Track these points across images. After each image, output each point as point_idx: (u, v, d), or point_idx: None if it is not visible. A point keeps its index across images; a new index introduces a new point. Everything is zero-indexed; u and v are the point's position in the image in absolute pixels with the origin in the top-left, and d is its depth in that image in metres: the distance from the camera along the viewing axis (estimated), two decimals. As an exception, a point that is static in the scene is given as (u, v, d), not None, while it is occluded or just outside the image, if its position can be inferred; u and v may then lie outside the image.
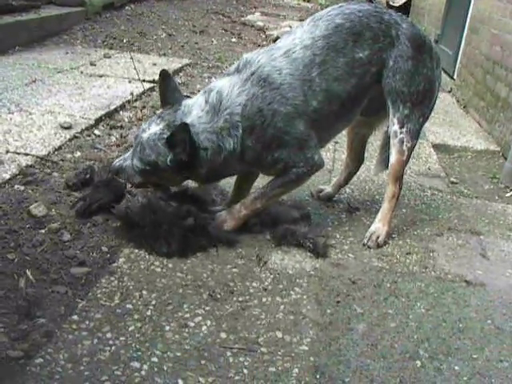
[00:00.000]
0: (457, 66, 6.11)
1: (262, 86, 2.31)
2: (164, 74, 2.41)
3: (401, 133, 2.55)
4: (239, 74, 2.35)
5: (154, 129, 2.29)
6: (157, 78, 2.48)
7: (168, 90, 2.40)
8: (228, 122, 2.29)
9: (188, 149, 2.21)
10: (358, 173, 3.25)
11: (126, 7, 7.84)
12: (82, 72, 4.73)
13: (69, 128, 3.41)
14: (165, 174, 2.33)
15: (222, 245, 2.39)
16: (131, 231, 2.35)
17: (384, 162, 2.78)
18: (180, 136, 2.20)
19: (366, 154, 3.62)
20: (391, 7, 12.71)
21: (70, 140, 3.28)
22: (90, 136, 3.42)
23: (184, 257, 2.28)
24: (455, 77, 6.11)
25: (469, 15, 5.96)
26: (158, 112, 2.70)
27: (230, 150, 2.31)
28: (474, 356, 1.95)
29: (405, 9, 11.79)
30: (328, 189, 3.00)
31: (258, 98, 2.30)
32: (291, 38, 2.43)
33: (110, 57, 5.43)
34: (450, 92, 6.14)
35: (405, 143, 2.56)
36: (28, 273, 2.03)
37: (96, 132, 3.50)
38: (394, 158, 2.59)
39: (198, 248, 2.34)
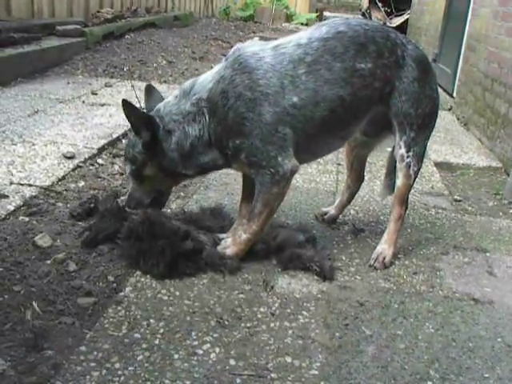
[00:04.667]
0: (456, 84, 6.15)
1: (234, 69, 2.28)
2: (147, 87, 2.61)
3: (407, 157, 2.53)
4: (225, 61, 2.36)
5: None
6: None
7: (152, 98, 2.54)
8: (195, 107, 2.31)
9: (145, 126, 2.31)
10: (361, 194, 3.26)
11: (126, 36, 7.91)
12: (83, 101, 4.77)
13: (72, 158, 3.43)
14: (147, 169, 2.40)
15: (218, 272, 2.38)
16: (131, 246, 2.36)
17: (390, 186, 2.74)
18: (133, 117, 2.33)
19: (369, 175, 3.65)
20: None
21: (73, 170, 3.30)
22: (93, 165, 3.44)
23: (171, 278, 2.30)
24: (454, 95, 6.15)
25: (465, 34, 6.02)
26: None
27: (195, 136, 2.32)
28: (486, 375, 1.92)
29: (401, 29, 11.91)
30: (332, 211, 2.99)
31: (225, 79, 2.27)
32: (289, 37, 2.44)
33: (111, 86, 5.48)
34: (449, 110, 6.16)
35: (412, 167, 2.55)
36: (34, 304, 2.02)
37: (99, 161, 3.52)
38: (400, 181, 2.58)
39: (183, 274, 2.33)
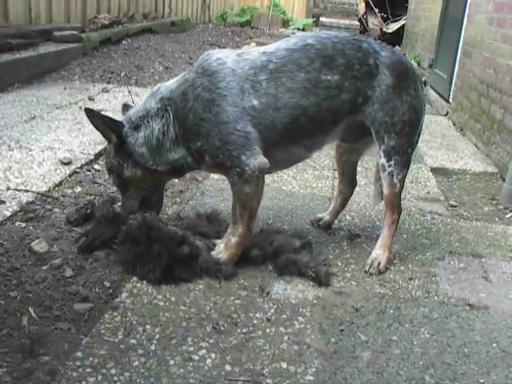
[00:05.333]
0: (452, 90, 6.17)
1: (197, 72, 2.34)
2: (124, 106, 2.67)
3: (389, 166, 2.51)
4: (192, 66, 2.43)
5: None
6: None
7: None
8: (158, 104, 2.38)
9: (111, 128, 2.40)
10: (357, 199, 3.28)
11: (123, 41, 7.93)
12: (80, 107, 4.77)
13: (69, 163, 3.44)
14: (125, 170, 2.45)
15: (214, 278, 2.39)
16: (128, 250, 2.37)
17: (380, 193, 2.71)
18: (97, 122, 2.42)
19: (365, 180, 3.66)
20: (385, 33, 12.89)
21: (70, 175, 3.30)
22: (89, 171, 3.44)
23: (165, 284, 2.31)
24: (450, 100, 6.17)
25: (461, 39, 6.04)
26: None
27: (160, 130, 2.37)
28: (481, 380, 1.93)
29: (398, 34, 11.96)
30: (326, 216, 2.99)
31: (188, 82, 2.34)
32: (260, 47, 2.48)
33: (108, 91, 5.49)
34: (446, 115, 6.18)
35: (395, 176, 2.53)
36: (31, 310, 2.03)
37: (96, 167, 3.53)
38: (386, 190, 2.57)
39: (179, 280, 2.33)
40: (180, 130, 2.35)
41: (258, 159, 2.31)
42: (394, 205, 2.62)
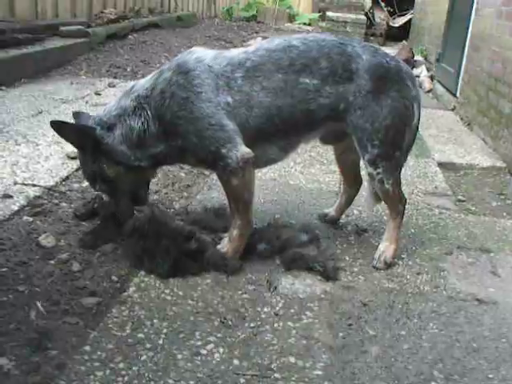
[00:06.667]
0: (459, 84, 6.14)
1: (174, 70, 2.32)
2: (75, 114, 2.61)
3: (377, 174, 2.45)
4: (169, 63, 2.41)
5: None
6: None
7: (83, 119, 2.53)
8: (134, 102, 2.35)
9: (82, 136, 2.36)
10: (364, 194, 3.25)
11: (129, 36, 7.92)
12: (87, 102, 4.77)
13: (75, 158, 3.42)
14: (108, 172, 2.41)
15: (221, 272, 2.38)
16: (136, 244, 2.37)
17: (375, 195, 2.64)
18: (67, 133, 2.39)
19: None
20: (391, 28, 12.83)
21: (77, 170, 3.30)
22: (96, 165, 3.44)
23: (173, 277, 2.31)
24: (458, 95, 6.13)
25: (469, 33, 6.00)
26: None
27: (139, 128, 2.33)
28: (490, 376, 1.92)
29: (404, 28, 11.91)
30: (332, 212, 2.97)
31: (165, 80, 2.31)
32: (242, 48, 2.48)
33: (114, 86, 5.48)
34: (453, 110, 6.15)
35: (385, 182, 2.48)
36: (38, 304, 2.03)
37: (103, 161, 3.52)
38: (381, 196, 2.55)
39: (186, 274, 2.33)
40: (160, 128, 2.33)
41: (240, 150, 2.28)
42: (394, 202, 2.58)
